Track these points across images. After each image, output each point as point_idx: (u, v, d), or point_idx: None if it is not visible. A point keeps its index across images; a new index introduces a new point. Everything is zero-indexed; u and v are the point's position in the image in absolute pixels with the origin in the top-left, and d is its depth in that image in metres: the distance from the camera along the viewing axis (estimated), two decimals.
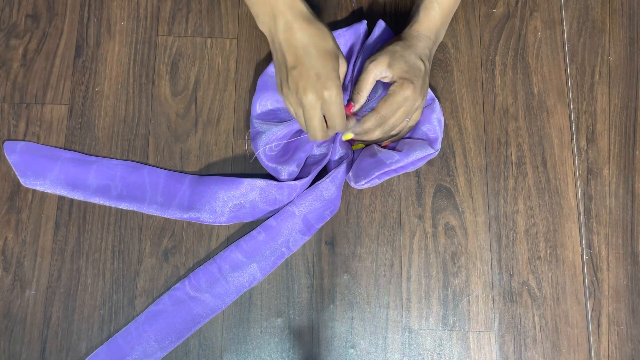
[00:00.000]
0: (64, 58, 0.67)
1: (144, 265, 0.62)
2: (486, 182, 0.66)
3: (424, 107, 0.63)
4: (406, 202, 0.65)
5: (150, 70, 0.67)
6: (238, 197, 0.62)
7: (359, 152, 0.64)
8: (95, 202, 0.63)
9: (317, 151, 0.64)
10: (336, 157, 0.63)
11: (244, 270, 0.62)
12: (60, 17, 0.68)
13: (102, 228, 0.63)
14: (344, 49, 0.65)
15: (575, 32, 0.70)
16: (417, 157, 0.60)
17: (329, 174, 0.61)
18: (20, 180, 0.63)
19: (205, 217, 0.62)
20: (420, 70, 0.58)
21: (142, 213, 0.63)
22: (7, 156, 0.63)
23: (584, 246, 0.65)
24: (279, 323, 0.62)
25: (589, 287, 0.64)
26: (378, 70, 0.58)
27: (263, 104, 0.64)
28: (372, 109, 0.59)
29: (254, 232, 0.62)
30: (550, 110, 0.68)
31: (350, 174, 0.63)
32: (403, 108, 0.58)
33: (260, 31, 0.69)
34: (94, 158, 0.64)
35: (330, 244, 0.64)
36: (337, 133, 0.62)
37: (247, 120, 0.66)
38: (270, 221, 0.62)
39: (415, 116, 0.62)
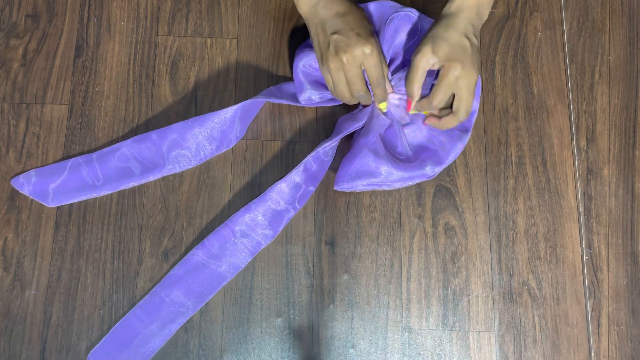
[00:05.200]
0: (64, 58, 0.67)
1: (144, 265, 0.62)
2: (486, 182, 0.66)
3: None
4: (406, 202, 0.65)
5: (150, 70, 0.67)
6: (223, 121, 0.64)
7: (377, 122, 0.63)
8: (124, 187, 0.63)
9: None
10: (356, 115, 0.63)
11: (256, 229, 0.63)
12: (60, 17, 0.68)
13: (102, 228, 0.63)
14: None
15: (575, 32, 0.70)
16: (409, 176, 0.60)
17: (334, 138, 0.62)
18: (45, 204, 0.63)
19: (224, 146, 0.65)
20: (466, 47, 0.57)
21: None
22: (20, 191, 0.63)
23: (584, 246, 0.65)
24: (279, 323, 0.62)
25: (589, 287, 0.64)
26: (425, 61, 0.57)
27: (306, 63, 0.63)
28: (426, 97, 0.59)
29: (263, 195, 0.63)
30: (550, 110, 0.68)
31: (337, 174, 0.62)
32: (455, 87, 0.58)
33: (260, 31, 0.69)
34: (95, 154, 0.64)
35: (330, 244, 0.64)
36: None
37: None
38: (276, 186, 0.63)
39: (467, 96, 0.59)
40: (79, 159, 0.64)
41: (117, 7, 0.69)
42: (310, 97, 0.63)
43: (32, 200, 0.63)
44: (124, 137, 0.65)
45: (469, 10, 0.58)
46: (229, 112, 0.63)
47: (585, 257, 0.65)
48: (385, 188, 0.62)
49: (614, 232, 0.65)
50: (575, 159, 0.67)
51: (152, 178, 0.64)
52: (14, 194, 0.63)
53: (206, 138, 0.64)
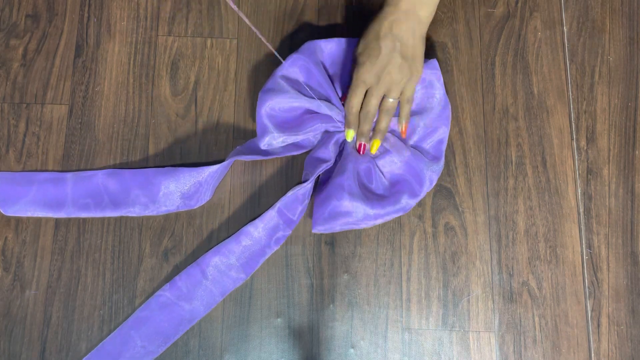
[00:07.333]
0: (64, 58, 0.67)
1: (144, 265, 0.62)
2: (486, 182, 0.66)
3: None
4: None
5: (150, 70, 0.67)
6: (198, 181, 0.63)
7: (347, 158, 0.62)
8: (82, 216, 0.62)
9: (311, 139, 0.64)
10: (321, 155, 0.63)
11: (228, 273, 0.62)
12: (60, 17, 0.68)
13: (102, 228, 0.63)
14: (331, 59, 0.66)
15: (575, 32, 0.70)
16: (386, 212, 0.60)
17: (310, 179, 0.61)
18: (1, 211, 0.62)
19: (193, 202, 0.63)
20: (374, 50, 0.59)
21: (115, 217, 0.63)
22: None
23: (584, 246, 0.65)
24: (279, 323, 0.62)
25: (588, 287, 0.64)
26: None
27: (301, 66, 0.63)
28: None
29: (236, 236, 0.62)
30: (550, 110, 0.68)
31: (314, 216, 0.62)
32: (366, 89, 0.60)
33: (260, 31, 0.69)
34: (69, 174, 0.63)
35: (330, 244, 0.64)
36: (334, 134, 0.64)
37: (246, 120, 0.66)
38: (249, 228, 0.62)
39: (408, 93, 0.62)
40: (46, 175, 0.63)
41: (117, 7, 0.69)
42: (271, 141, 0.61)
43: (3, 213, 0.63)
44: (124, 137, 0.65)
45: (388, 3, 0.59)
46: (202, 175, 0.62)
47: (585, 257, 0.65)
48: (363, 226, 0.62)
49: (614, 232, 0.65)
50: (575, 159, 0.67)
51: (111, 215, 0.62)
52: None
53: (175, 192, 0.62)
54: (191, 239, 0.63)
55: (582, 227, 0.65)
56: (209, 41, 0.68)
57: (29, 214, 0.62)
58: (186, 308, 0.61)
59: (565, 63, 0.69)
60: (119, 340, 0.60)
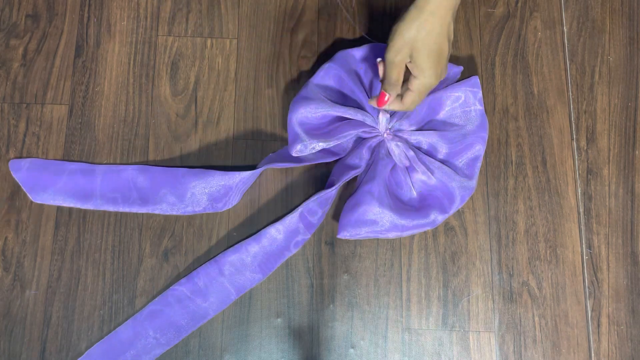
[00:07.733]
0: (64, 58, 0.67)
1: (144, 265, 0.62)
2: (486, 182, 0.66)
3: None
4: None
5: (150, 70, 0.67)
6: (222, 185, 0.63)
7: (374, 169, 0.62)
8: (109, 209, 0.63)
9: (344, 146, 0.64)
10: (352, 162, 0.62)
11: (244, 272, 0.62)
12: (60, 17, 0.68)
13: (102, 228, 0.63)
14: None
15: (575, 32, 0.70)
16: (414, 225, 0.60)
17: (335, 185, 0.61)
18: (30, 197, 0.63)
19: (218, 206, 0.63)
20: (443, 53, 0.53)
21: (142, 213, 0.63)
22: (13, 174, 0.63)
23: (584, 246, 0.65)
24: (279, 323, 0.62)
25: (588, 287, 0.64)
26: (402, 61, 0.53)
27: (334, 75, 0.63)
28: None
29: (257, 237, 0.62)
30: (550, 110, 0.68)
31: (340, 221, 0.61)
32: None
33: (260, 31, 0.69)
34: (100, 167, 0.63)
35: (330, 244, 0.64)
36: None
37: (246, 120, 0.66)
38: (270, 229, 0.62)
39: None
40: (76, 165, 0.63)
41: (117, 7, 0.69)
42: (302, 149, 0.59)
43: (32, 200, 0.63)
44: (124, 137, 0.65)
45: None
46: (232, 180, 0.62)
47: (585, 257, 0.65)
48: (390, 237, 0.61)
49: (614, 232, 0.65)
50: (575, 159, 0.67)
51: (138, 211, 0.63)
52: (14, 194, 0.63)
53: (203, 194, 0.62)
54: (191, 239, 0.63)
55: (582, 227, 0.65)
56: (209, 41, 0.68)
57: (58, 203, 0.63)
58: (200, 303, 0.61)
59: (565, 63, 0.69)
60: (132, 330, 0.60)
